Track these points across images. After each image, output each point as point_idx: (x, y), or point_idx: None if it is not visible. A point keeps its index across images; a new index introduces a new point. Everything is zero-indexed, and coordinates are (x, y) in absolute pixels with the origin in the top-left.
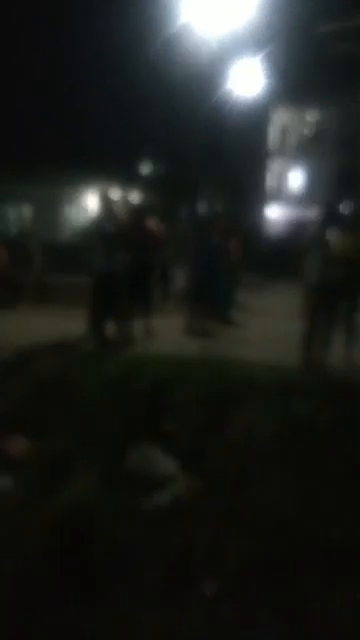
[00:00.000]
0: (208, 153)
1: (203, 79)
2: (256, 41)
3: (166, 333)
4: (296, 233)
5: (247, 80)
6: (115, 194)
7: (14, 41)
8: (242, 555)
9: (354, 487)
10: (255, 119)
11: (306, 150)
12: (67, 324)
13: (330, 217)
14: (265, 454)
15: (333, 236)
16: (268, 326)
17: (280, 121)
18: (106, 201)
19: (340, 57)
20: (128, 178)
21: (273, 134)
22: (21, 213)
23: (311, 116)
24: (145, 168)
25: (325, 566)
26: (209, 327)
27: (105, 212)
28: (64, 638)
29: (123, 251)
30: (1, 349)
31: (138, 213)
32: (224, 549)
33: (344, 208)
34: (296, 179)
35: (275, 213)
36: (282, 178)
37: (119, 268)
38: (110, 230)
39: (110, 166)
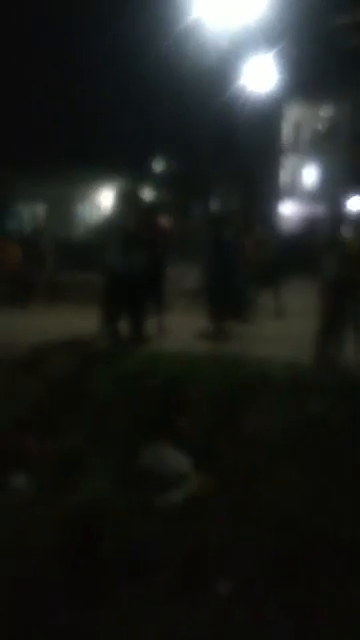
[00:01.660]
0: (221, 149)
1: (215, 74)
2: (268, 36)
3: (179, 330)
4: (310, 229)
5: (260, 75)
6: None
7: (24, 39)
8: (254, 553)
9: None
10: (268, 115)
11: (320, 146)
12: (79, 322)
13: (342, 215)
14: (278, 451)
15: (347, 233)
16: (281, 323)
17: (293, 117)
18: (130, 199)
19: (354, 51)
20: (141, 175)
21: (286, 130)
22: (34, 211)
23: (325, 111)
24: (158, 165)
25: (337, 565)
26: (226, 330)
27: (127, 210)
28: (65, 638)
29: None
30: (14, 347)
31: (149, 211)
32: (236, 547)
33: (356, 205)
34: (310, 175)
35: (289, 209)
36: (296, 174)
37: (138, 266)
38: (131, 228)
39: (123, 163)
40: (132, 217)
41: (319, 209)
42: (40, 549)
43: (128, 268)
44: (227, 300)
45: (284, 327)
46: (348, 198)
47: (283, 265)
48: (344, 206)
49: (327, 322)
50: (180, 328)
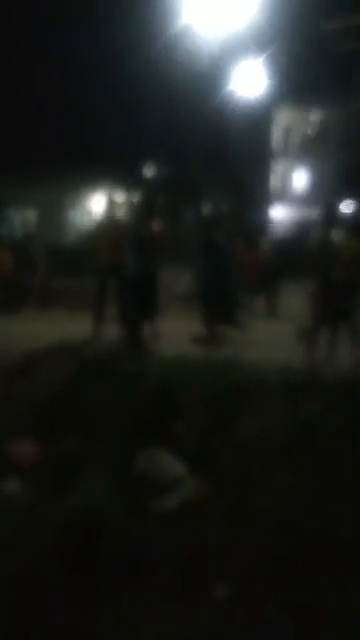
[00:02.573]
0: (211, 154)
1: (205, 80)
2: (258, 41)
3: (172, 335)
4: (301, 233)
5: (250, 81)
6: (119, 197)
7: (17, 44)
8: (250, 556)
9: None
10: (258, 119)
11: (310, 150)
12: (72, 327)
13: (332, 218)
14: (274, 455)
15: (337, 237)
16: (275, 326)
17: (283, 121)
18: (144, 206)
19: (343, 56)
20: (132, 181)
21: (276, 134)
22: (25, 217)
23: (314, 116)
24: (149, 170)
25: (337, 566)
26: (219, 334)
27: (140, 215)
28: (65, 638)
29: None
30: (7, 353)
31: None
32: (233, 550)
33: (347, 208)
34: (300, 179)
35: (279, 213)
36: (286, 178)
37: (152, 271)
38: (145, 233)
39: (114, 169)
40: (149, 223)
41: (310, 213)
42: (37, 553)
43: (143, 272)
44: (220, 304)
45: (278, 330)
46: (338, 202)
47: (280, 268)
48: (334, 210)
49: (316, 324)
50: (173, 332)
